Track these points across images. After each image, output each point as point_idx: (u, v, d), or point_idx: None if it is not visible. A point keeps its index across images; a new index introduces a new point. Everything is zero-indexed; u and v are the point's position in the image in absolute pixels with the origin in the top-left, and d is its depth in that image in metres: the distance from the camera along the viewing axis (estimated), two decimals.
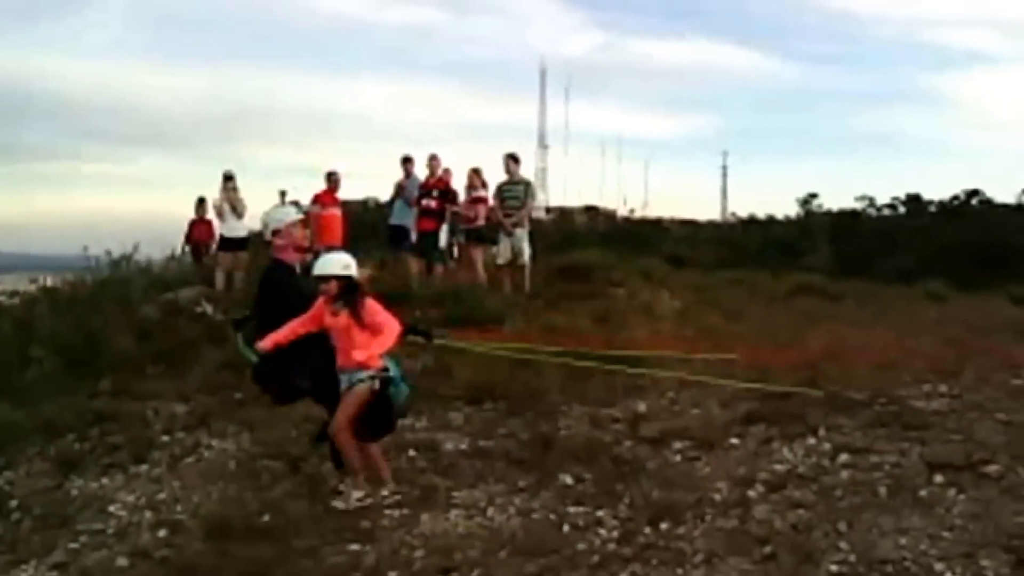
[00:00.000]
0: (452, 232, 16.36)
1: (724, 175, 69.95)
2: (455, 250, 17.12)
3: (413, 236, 15.90)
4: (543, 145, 74.96)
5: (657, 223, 42.45)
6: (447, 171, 16.32)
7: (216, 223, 17.32)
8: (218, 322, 12.94)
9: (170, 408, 10.41)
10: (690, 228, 40.69)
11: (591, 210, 50.89)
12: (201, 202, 18.40)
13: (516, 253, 15.25)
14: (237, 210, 16.35)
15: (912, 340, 11.25)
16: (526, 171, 16.23)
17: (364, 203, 44.41)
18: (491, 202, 15.70)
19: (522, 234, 15.34)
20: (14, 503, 8.45)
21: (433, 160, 16.13)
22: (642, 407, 9.15)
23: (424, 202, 15.78)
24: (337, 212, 16.08)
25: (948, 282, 19.56)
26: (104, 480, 8.70)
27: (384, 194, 21.50)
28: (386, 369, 7.21)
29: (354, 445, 7.24)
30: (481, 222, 15.84)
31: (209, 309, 13.93)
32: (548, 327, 11.78)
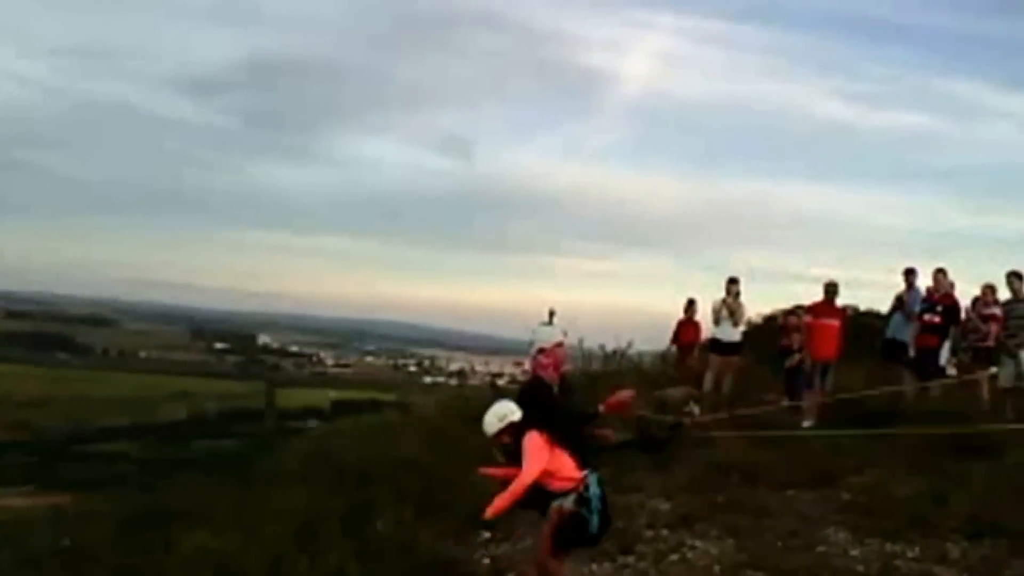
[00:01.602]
0: (954, 351, 15.62)
1: None
2: (951, 369, 16.29)
3: (911, 351, 15.38)
4: None
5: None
6: (952, 285, 15.67)
7: (708, 325, 17.67)
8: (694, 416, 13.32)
9: (654, 504, 10.80)
10: None
11: None
12: (691, 303, 18.94)
13: (1021, 377, 14.35)
14: (735, 315, 16.70)
15: None
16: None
17: (846, 310, 43.26)
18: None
19: None
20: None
21: (939, 273, 15.55)
22: None
23: (927, 317, 15.27)
24: (834, 322, 15.78)
25: None
26: (593, 566, 9.09)
27: (871, 304, 21.04)
28: (586, 488, 7.19)
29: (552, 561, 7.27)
30: (991, 342, 14.88)
31: (696, 410, 14.36)
32: None
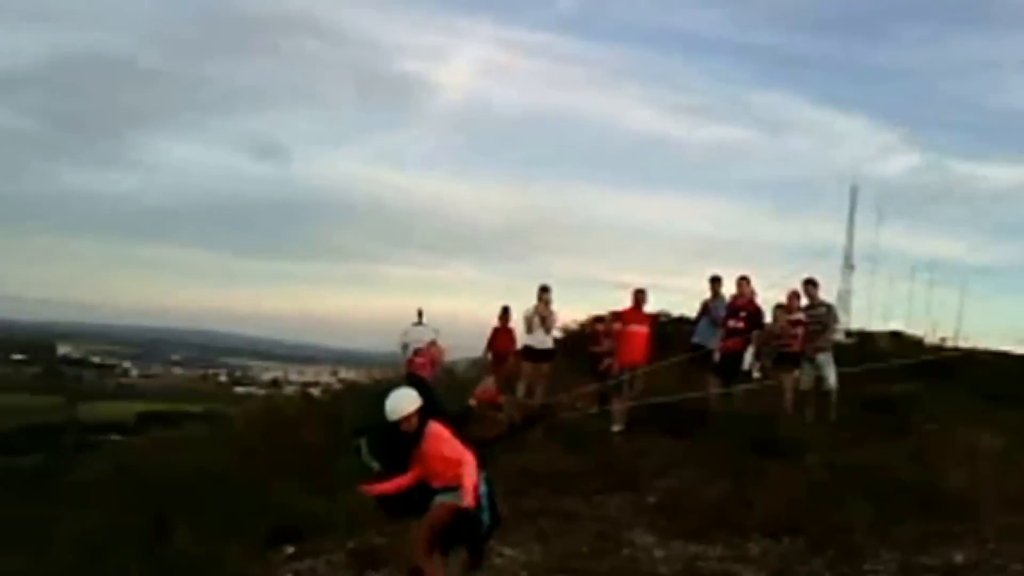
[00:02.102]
0: (758, 356, 16.05)
1: None
2: (754, 372, 16.76)
3: (716, 356, 15.74)
4: (848, 266, 72.69)
5: (970, 353, 40.00)
6: (754, 292, 16.12)
7: (520, 333, 17.71)
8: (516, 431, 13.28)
9: None
10: (1007, 361, 38.03)
11: (896, 335, 48.72)
12: (505, 311, 18.96)
13: (820, 379, 14.90)
14: (546, 323, 16.75)
15: None
16: (829, 292, 15.75)
17: (656, 316, 44.43)
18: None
19: (825, 359, 15.01)
20: None
21: (743, 281, 15.99)
22: (959, 557, 8.62)
23: (731, 323, 15.66)
24: (642, 329, 16.06)
25: None
26: None
27: (679, 309, 21.51)
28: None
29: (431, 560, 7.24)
30: (797, 347, 15.33)
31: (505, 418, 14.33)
32: (856, 462, 11.38)
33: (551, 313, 16.82)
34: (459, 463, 7.18)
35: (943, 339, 48.13)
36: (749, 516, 9.83)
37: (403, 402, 7.35)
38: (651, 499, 11.14)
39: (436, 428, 7.33)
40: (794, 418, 14.46)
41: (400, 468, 7.40)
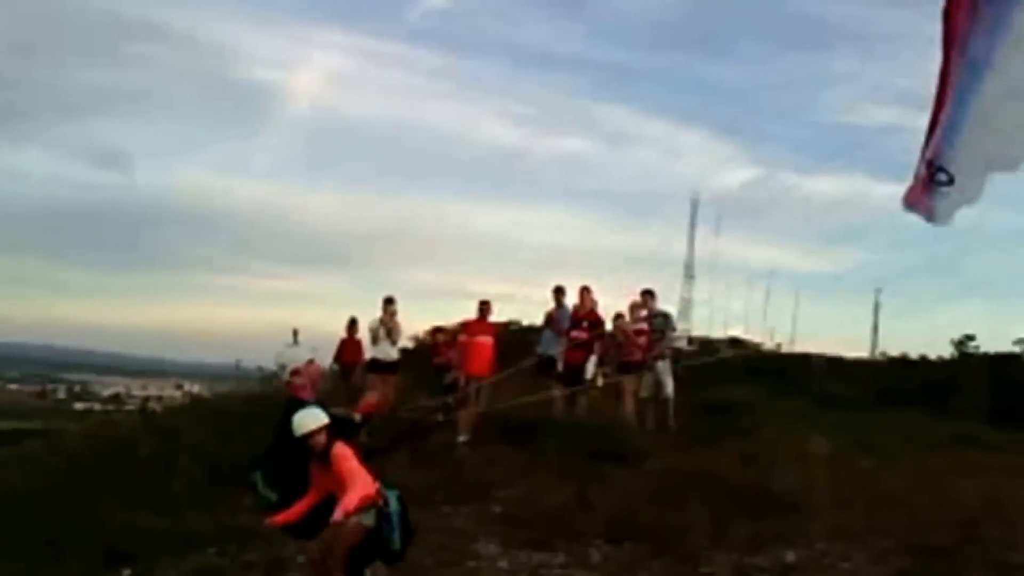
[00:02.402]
0: (601, 364, 16.28)
1: (876, 312, 68.31)
2: (599, 380, 16.96)
3: (560, 366, 15.92)
4: (690, 275, 74.58)
5: (804, 358, 41.52)
6: (596, 303, 16.35)
7: (367, 344, 17.58)
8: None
9: None
10: (838, 365, 39.65)
11: (736, 342, 50.23)
12: (353, 322, 18.83)
13: (659, 387, 15.24)
14: (392, 335, 16.64)
15: None
16: (672, 300, 16.18)
17: (507, 326, 44.80)
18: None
19: (664, 367, 15.34)
20: None
21: (585, 292, 16.20)
22: (791, 557, 8.93)
23: (574, 333, 15.85)
24: (487, 340, 16.08)
25: None
26: None
27: (529, 319, 21.67)
28: (385, 503, 7.22)
29: None
30: (640, 356, 15.61)
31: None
32: (694, 466, 11.67)
33: (396, 324, 16.71)
34: (351, 482, 7.08)
35: (779, 344, 50.13)
36: (592, 523, 9.96)
37: (308, 419, 7.28)
38: (497, 509, 11.18)
39: (342, 448, 7.25)
40: (635, 425, 14.74)
41: (299, 494, 7.33)
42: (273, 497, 7.51)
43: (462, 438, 15.05)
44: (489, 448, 14.13)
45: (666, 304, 16.30)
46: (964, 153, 5.73)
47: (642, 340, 15.64)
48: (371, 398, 8.02)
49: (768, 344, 49.12)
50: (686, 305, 65.62)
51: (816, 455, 13.67)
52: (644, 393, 15.41)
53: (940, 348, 41.17)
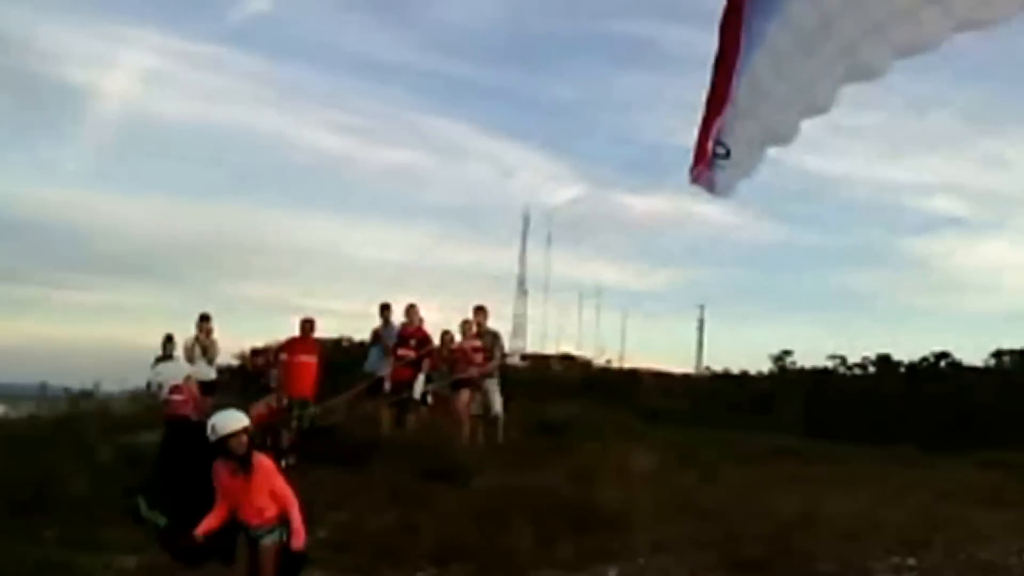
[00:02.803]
0: (429, 381, 16.19)
1: (700, 328, 70.40)
2: (428, 398, 16.83)
3: (387, 385, 15.77)
4: (522, 292, 75.22)
5: (633, 374, 42.48)
6: (422, 320, 16.29)
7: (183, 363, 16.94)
8: None
9: (120, 562, 10.04)
10: (665, 380, 40.72)
11: (567, 358, 50.95)
12: (169, 339, 18.07)
13: (488, 405, 15.25)
14: (208, 353, 16.14)
15: (883, 507, 11.27)
16: (505, 317, 16.25)
17: (339, 342, 44.42)
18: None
19: (492, 385, 15.36)
20: None
21: (412, 309, 16.14)
22: (613, 573, 9.04)
23: (401, 351, 15.74)
24: (310, 359, 15.48)
25: (917, 445, 19.70)
26: None
27: (360, 334, 21.41)
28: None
29: None
30: (474, 373, 15.47)
31: None
32: (521, 484, 11.73)
33: (213, 343, 16.19)
34: (288, 501, 6.94)
35: (609, 361, 51.15)
36: (419, 546, 9.86)
37: (231, 420, 6.96)
38: (322, 534, 10.94)
39: (267, 461, 7.04)
40: (465, 443, 14.71)
41: (192, 515, 7.02)
42: (161, 521, 7.27)
43: (287, 461, 14.72)
44: (315, 471, 13.88)
45: (500, 320, 16.32)
46: (739, 127, 5.97)
47: (473, 357, 15.63)
48: (260, 408, 7.67)
49: (599, 360, 50.08)
50: (519, 321, 66.18)
51: (640, 471, 13.95)
52: (474, 411, 15.38)
53: (760, 363, 42.74)
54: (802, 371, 38.69)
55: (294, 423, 14.91)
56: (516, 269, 77.11)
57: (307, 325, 15.81)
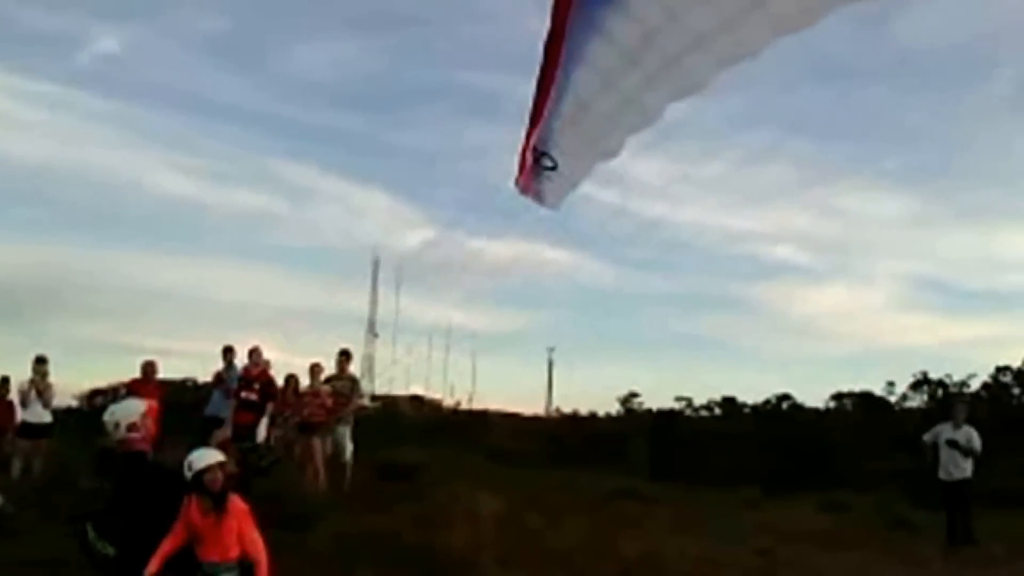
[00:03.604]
0: (272, 424, 15.80)
1: (550, 370, 71.17)
2: (272, 443, 16.37)
3: (229, 428, 15.30)
4: (372, 333, 74.81)
5: (483, 415, 42.57)
6: (268, 362, 15.93)
7: (18, 406, 16.29)
8: (9, 514, 12.17)
9: None
10: (515, 421, 40.88)
11: (416, 399, 50.85)
12: (4, 381, 17.35)
13: (339, 450, 15.03)
14: (44, 396, 15.53)
15: (725, 550, 11.45)
16: (355, 358, 16.01)
17: (183, 384, 43.43)
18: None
19: (345, 431, 15.17)
20: None
21: (255, 351, 15.72)
22: None
23: (244, 394, 15.32)
24: (151, 404, 15.04)
25: (761, 487, 20.16)
26: None
27: (205, 376, 20.85)
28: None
29: None
30: (323, 417, 15.29)
31: (1, 499, 13.11)
32: (366, 529, 11.52)
33: (48, 386, 15.62)
34: (258, 547, 6.84)
35: (459, 402, 51.19)
36: None
37: (207, 455, 6.91)
38: None
39: (241, 504, 6.90)
40: (310, 489, 14.41)
41: (141, 548, 6.80)
42: (110, 550, 6.94)
43: None
44: None
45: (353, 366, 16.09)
46: (565, 140, 6.05)
47: (322, 401, 15.36)
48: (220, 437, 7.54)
49: (448, 401, 50.11)
50: (369, 363, 65.75)
51: (488, 514, 13.88)
52: (323, 456, 15.12)
53: (609, 405, 43.40)
54: (649, 412, 39.44)
55: None
56: (366, 311, 76.71)
57: (148, 367, 15.50)
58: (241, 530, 6.87)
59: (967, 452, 14.21)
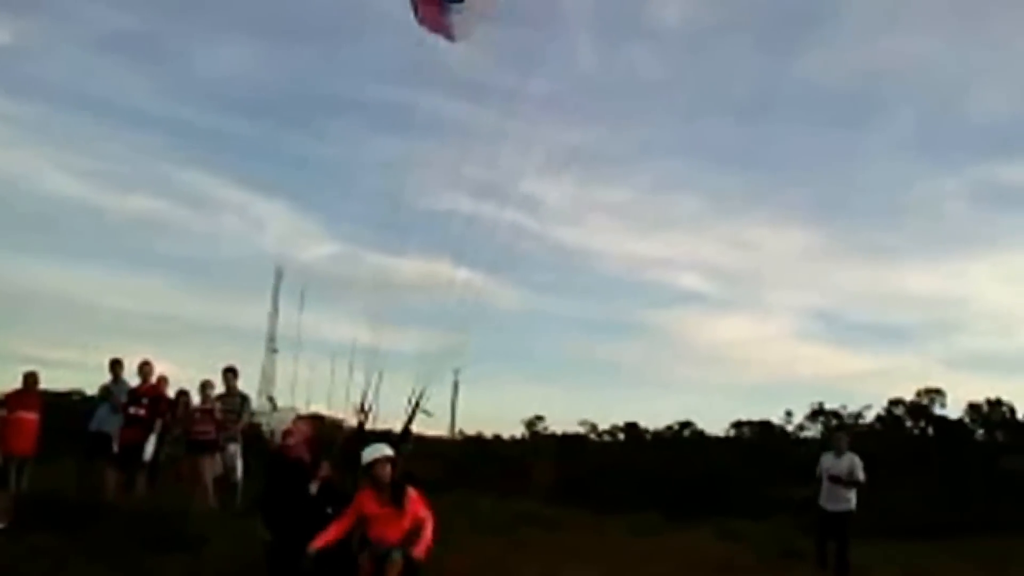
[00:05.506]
0: (161, 442, 15.23)
1: (455, 391, 70.84)
2: (160, 461, 15.78)
3: (115, 446, 14.74)
4: (272, 349, 73.77)
5: (385, 435, 42.13)
6: (161, 378, 15.40)
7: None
8: None
9: None
10: (419, 443, 40.43)
11: (317, 418, 50.30)
12: None
13: (229, 469, 14.63)
14: None
15: None
16: (251, 375, 15.69)
17: (69, 395, 42.40)
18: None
19: (235, 449, 14.82)
20: None
21: (146, 365, 15.17)
22: None
23: (132, 409, 14.76)
24: (32, 415, 14.30)
25: (661, 513, 20.21)
26: None
27: (92, 388, 20.13)
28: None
29: None
30: (213, 435, 14.95)
31: None
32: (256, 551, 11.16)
33: None
34: (428, 521, 8.14)
35: (361, 421, 50.71)
36: None
37: (381, 447, 8.16)
38: None
39: (415, 493, 8.16)
40: (200, 509, 13.95)
41: (299, 534, 7.80)
42: (267, 536, 8.35)
43: None
44: (32, 537, 12.81)
45: (246, 378, 15.73)
46: None
47: (213, 418, 14.92)
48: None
49: (350, 420, 49.60)
50: (268, 379, 64.77)
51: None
52: (214, 475, 14.71)
53: (513, 428, 43.38)
54: (554, 436, 39.46)
55: (12, 484, 13.80)
56: (266, 325, 75.31)
57: (30, 379, 14.66)
58: (416, 514, 8.08)
59: (848, 484, 14.30)
